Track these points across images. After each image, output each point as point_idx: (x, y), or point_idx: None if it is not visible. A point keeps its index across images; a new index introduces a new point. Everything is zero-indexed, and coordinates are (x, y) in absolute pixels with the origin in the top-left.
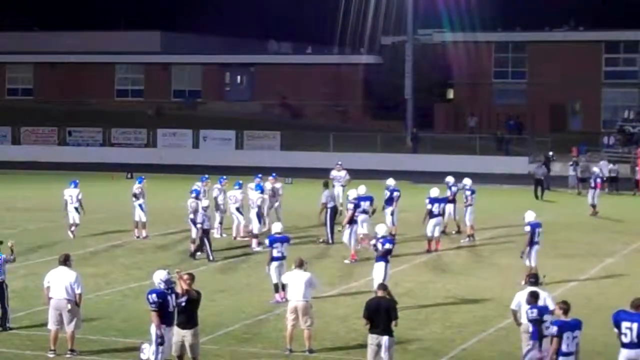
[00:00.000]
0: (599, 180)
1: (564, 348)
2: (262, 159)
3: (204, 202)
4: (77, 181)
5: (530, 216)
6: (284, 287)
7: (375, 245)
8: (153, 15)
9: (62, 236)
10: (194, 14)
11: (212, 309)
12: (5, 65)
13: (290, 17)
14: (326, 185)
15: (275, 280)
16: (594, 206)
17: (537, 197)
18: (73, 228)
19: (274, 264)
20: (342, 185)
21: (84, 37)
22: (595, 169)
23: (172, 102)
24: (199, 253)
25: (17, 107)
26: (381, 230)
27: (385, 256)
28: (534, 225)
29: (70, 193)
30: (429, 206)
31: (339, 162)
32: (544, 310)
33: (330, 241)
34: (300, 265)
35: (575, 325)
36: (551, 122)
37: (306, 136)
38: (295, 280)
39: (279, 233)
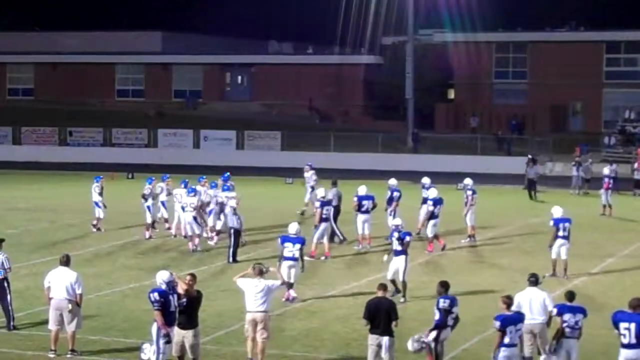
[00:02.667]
0: (610, 180)
1: (506, 340)
2: (262, 159)
3: (232, 202)
4: (100, 177)
5: (556, 212)
6: (291, 286)
7: (401, 239)
8: (154, 16)
9: (63, 236)
10: (194, 14)
11: (212, 309)
12: (6, 65)
13: (290, 17)
14: (335, 184)
15: (285, 279)
16: (608, 206)
17: (531, 197)
18: (94, 222)
19: (284, 263)
20: (311, 187)
21: (84, 38)
22: (606, 170)
23: (172, 102)
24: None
25: (18, 107)
26: (397, 221)
27: (404, 249)
28: (557, 221)
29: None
30: (432, 207)
31: (309, 163)
32: (454, 302)
33: (342, 237)
34: (260, 273)
35: (517, 318)
36: (552, 122)
37: (307, 136)
38: (253, 290)
39: (294, 234)
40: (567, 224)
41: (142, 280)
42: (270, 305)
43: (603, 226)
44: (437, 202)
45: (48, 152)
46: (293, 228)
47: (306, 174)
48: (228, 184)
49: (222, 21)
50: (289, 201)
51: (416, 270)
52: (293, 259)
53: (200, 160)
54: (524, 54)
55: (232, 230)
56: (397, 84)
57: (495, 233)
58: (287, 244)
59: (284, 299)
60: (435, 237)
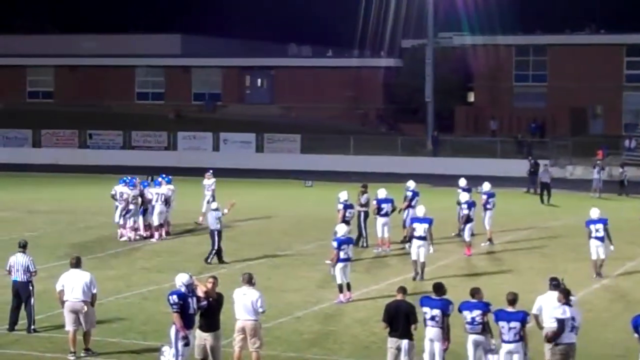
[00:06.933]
0: None
1: (504, 337)
2: (282, 162)
3: (214, 205)
4: (123, 179)
5: (593, 214)
6: (348, 286)
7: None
8: (173, 18)
9: (82, 239)
10: (214, 16)
11: (232, 312)
12: (26, 68)
13: (310, 20)
14: (365, 189)
15: (339, 281)
16: None
17: (542, 201)
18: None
19: (340, 265)
20: (212, 196)
21: (104, 40)
22: None
23: (192, 105)
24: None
25: (37, 110)
26: (421, 211)
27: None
28: (589, 223)
29: None
30: (466, 211)
31: (210, 171)
32: (422, 303)
33: (366, 243)
34: (249, 281)
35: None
36: (572, 125)
37: (326, 139)
38: (243, 298)
39: (345, 236)
40: (599, 225)
41: (162, 282)
42: (260, 314)
43: (623, 229)
44: (471, 205)
45: (68, 154)
46: (342, 229)
47: (207, 181)
48: (158, 180)
49: (242, 24)
50: (308, 204)
51: (437, 273)
52: (348, 259)
53: (220, 163)
54: (544, 57)
55: (215, 233)
56: (417, 87)
57: (515, 236)
58: (344, 246)
59: (345, 300)
60: (469, 244)
